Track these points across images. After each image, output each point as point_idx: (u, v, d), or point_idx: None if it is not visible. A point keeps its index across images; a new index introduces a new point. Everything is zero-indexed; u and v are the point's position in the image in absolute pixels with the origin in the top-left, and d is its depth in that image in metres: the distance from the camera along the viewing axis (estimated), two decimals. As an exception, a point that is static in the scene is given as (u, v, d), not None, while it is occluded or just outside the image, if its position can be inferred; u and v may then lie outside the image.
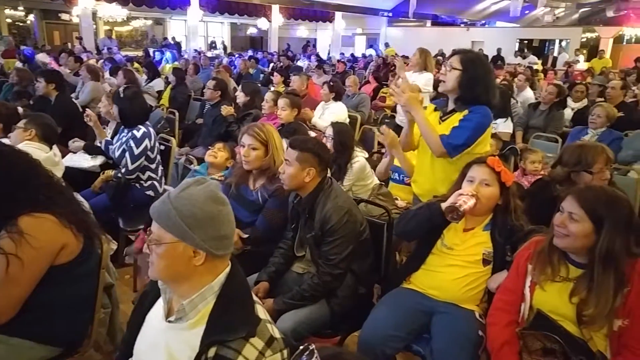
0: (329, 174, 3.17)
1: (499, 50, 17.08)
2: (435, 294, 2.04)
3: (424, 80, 4.83)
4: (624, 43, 18.16)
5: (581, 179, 2.32)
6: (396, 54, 13.58)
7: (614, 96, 5.44)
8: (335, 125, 3.34)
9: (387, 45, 19.70)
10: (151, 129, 3.52)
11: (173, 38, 17.28)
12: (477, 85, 2.32)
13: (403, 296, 2.10)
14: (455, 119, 2.36)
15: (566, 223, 1.64)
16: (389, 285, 2.25)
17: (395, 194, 3.12)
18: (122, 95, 3.50)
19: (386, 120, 5.97)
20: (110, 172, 3.48)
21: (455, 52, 2.45)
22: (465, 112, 2.33)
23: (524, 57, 16.04)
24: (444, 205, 1.97)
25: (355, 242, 2.18)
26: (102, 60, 9.86)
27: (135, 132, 3.41)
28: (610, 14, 19.40)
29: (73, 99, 5.65)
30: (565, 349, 1.60)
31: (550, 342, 1.63)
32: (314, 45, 21.03)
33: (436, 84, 5.57)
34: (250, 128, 2.58)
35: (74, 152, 3.82)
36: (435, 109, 2.55)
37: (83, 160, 3.69)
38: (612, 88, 5.47)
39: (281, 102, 4.08)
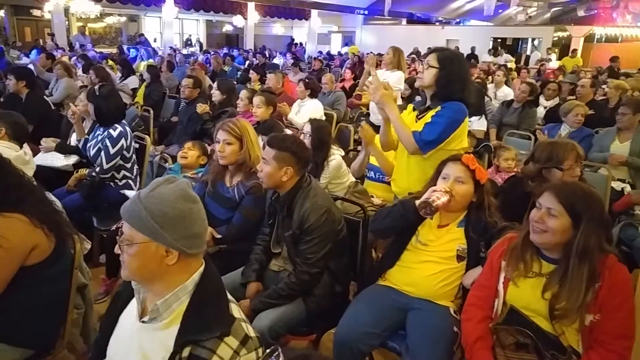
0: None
1: (472, 48, 17.30)
2: (410, 290, 2.06)
3: (395, 78, 4.86)
4: (595, 42, 18.57)
5: (552, 175, 2.37)
6: (371, 52, 13.58)
7: (584, 94, 5.55)
8: (313, 122, 3.33)
9: (351, 42, 19.78)
10: (127, 128, 3.46)
11: (142, 35, 16.98)
12: (454, 83, 2.34)
13: (378, 293, 2.11)
14: (429, 116, 2.38)
15: (545, 219, 1.66)
16: (365, 282, 2.26)
17: (371, 192, 3.14)
18: (97, 93, 3.44)
19: (362, 118, 5.99)
20: (84, 171, 3.42)
21: (432, 50, 2.47)
22: (439, 108, 2.35)
23: (497, 56, 16.28)
24: (417, 201, 1.99)
25: (332, 241, 2.18)
26: (74, 57, 9.68)
27: (111, 131, 3.36)
28: (581, 13, 19.87)
29: (46, 96, 5.55)
30: (537, 344, 1.63)
31: (522, 337, 1.66)
32: (301, 44, 20.93)
33: (411, 81, 5.64)
34: (224, 124, 2.57)
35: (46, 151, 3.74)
36: (414, 109, 2.56)
37: (56, 159, 3.60)
38: (582, 87, 5.59)
39: (256, 99, 4.06)
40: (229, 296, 1.35)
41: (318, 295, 2.20)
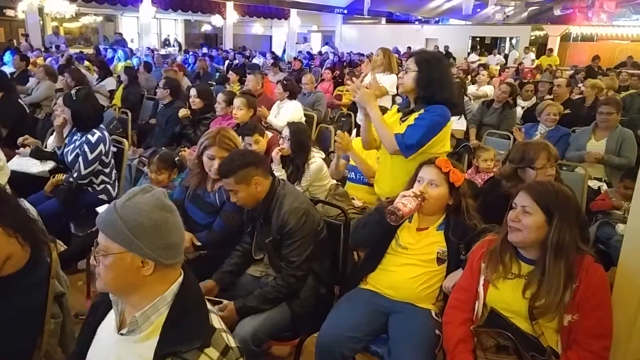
0: (283, 175, 3.19)
1: (446, 47, 17.48)
2: (392, 293, 2.06)
3: (389, 82, 4.86)
4: (571, 41, 18.91)
5: (526, 175, 2.41)
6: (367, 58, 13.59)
7: (560, 94, 5.65)
8: (291, 125, 3.33)
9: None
10: (106, 133, 3.41)
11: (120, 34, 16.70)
12: (432, 84, 2.34)
13: (360, 297, 2.12)
14: (412, 118, 2.38)
15: (520, 217, 1.70)
16: (347, 285, 2.27)
17: (352, 194, 3.14)
18: (74, 97, 3.37)
19: (342, 119, 6.01)
20: (60, 176, 3.35)
21: (411, 55, 2.49)
22: (422, 111, 2.36)
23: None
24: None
25: (314, 243, 2.18)
26: (49, 58, 9.49)
27: (89, 136, 3.30)
28: (557, 12, 20.24)
29: (22, 99, 5.44)
30: (517, 346, 1.65)
31: (503, 339, 1.68)
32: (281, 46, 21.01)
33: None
34: (219, 140, 2.50)
35: (22, 156, 3.66)
36: (399, 110, 2.57)
37: (31, 165, 3.52)
38: (558, 86, 5.67)
39: (237, 101, 4.03)
40: (209, 306, 1.34)
41: (304, 298, 2.19)
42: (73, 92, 3.44)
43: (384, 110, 2.69)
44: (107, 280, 1.26)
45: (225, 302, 2.12)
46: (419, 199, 1.96)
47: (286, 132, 3.25)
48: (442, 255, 2.02)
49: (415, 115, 2.36)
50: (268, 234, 2.21)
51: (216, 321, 1.30)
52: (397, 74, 5.09)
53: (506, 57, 16.94)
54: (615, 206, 3.24)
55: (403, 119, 2.45)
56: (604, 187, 3.87)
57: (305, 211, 2.16)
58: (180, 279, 1.32)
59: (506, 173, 2.48)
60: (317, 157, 3.29)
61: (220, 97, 4.40)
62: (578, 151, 4.10)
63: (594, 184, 3.86)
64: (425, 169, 2.07)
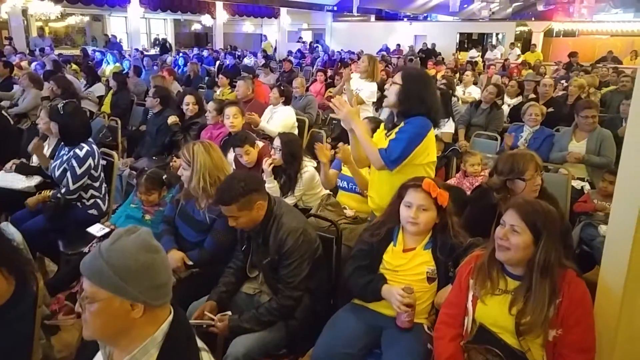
0: (275, 187, 3.21)
1: (433, 45, 17.53)
2: (384, 310, 2.09)
3: (368, 92, 4.90)
4: (554, 36, 19.07)
5: (516, 186, 2.44)
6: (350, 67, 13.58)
7: (548, 93, 5.73)
8: (282, 135, 3.35)
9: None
10: (94, 147, 3.37)
11: (112, 36, 16.53)
12: (413, 98, 2.39)
13: (353, 313, 2.15)
14: (394, 133, 2.43)
15: (508, 236, 1.74)
16: (341, 299, 2.30)
17: (344, 203, 3.15)
18: (61, 111, 3.32)
19: (334, 121, 6.02)
20: (47, 192, 3.30)
21: (399, 69, 2.53)
22: (402, 124, 2.41)
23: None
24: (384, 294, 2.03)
25: (311, 261, 2.20)
26: (34, 63, 9.35)
27: (77, 150, 3.26)
28: (540, 7, 20.38)
29: (6, 110, 5.38)
30: (505, 362, 1.69)
31: (491, 355, 1.72)
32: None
33: (381, 84, 5.70)
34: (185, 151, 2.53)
35: (7, 172, 3.62)
36: (385, 127, 2.61)
37: (16, 181, 3.48)
38: (544, 86, 5.74)
39: (232, 110, 4.01)
40: (199, 342, 1.34)
41: (300, 318, 2.21)
42: (60, 106, 3.40)
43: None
44: (95, 327, 1.24)
45: (217, 318, 2.14)
46: (411, 309, 1.97)
47: (277, 143, 3.27)
48: (431, 274, 2.06)
49: (397, 129, 2.41)
50: (265, 254, 2.22)
51: (207, 358, 1.31)
52: (377, 82, 5.15)
53: (485, 51, 17.11)
54: (597, 208, 3.30)
55: (388, 134, 2.49)
56: (587, 186, 3.95)
57: (302, 230, 2.18)
58: (170, 317, 1.30)
59: (495, 185, 2.50)
60: (309, 167, 3.32)
61: (211, 105, 4.40)
62: (561, 152, 4.18)
63: (577, 183, 3.95)
64: (413, 194, 2.08)
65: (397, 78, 2.45)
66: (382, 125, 2.71)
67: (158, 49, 17.76)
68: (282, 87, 5.28)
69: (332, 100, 2.50)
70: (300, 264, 2.15)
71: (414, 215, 2.05)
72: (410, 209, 2.07)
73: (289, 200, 3.26)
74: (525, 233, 1.71)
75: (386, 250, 2.14)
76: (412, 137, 2.35)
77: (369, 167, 2.70)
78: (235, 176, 2.27)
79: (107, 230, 2.96)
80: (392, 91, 2.45)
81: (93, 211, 3.39)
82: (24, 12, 13.87)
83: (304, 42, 20.90)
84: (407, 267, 2.09)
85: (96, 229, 2.98)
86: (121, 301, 1.21)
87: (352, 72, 5.49)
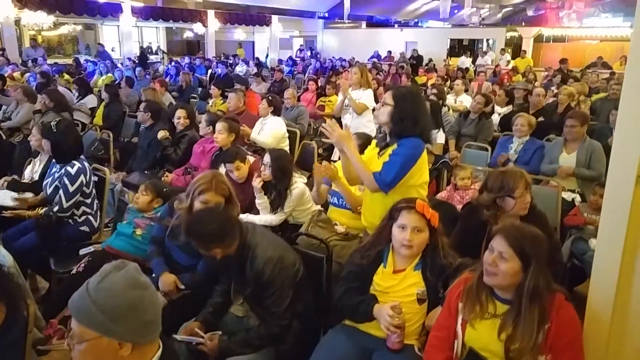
0: (265, 203, 3.21)
1: (414, 51, 17.56)
2: (375, 332, 2.10)
3: (368, 96, 4.97)
4: (544, 41, 19.23)
5: (506, 204, 2.46)
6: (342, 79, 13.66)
7: (541, 102, 5.78)
8: (272, 152, 3.36)
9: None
10: (86, 163, 3.38)
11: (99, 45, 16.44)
12: (406, 119, 2.40)
13: (344, 334, 2.16)
14: (387, 154, 2.44)
15: (497, 262, 1.74)
16: (332, 319, 2.30)
17: (335, 219, 3.15)
18: (54, 129, 3.34)
19: (323, 124, 6.02)
20: (40, 210, 3.28)
21: (388, 89, 2.55)
22: (395, 145, 2.41)
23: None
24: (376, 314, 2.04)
25: (293, 287, 2.20)
26: (27, 74, 9.33)
27: (69, 168, 3.27)
28: (530, 12, 20.58)
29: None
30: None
31: (482, 379, 1.73)
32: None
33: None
34: (216, 184, 2.47)
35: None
36: (377, 145, 2.62)
37: (7, 198, 3.45)
38: (537, 95, 5.79)
39: (219, 125, 4.03)
40: None
41: (290, 342, 2.21)
42: (53, 123, 3.40)
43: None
44: None
45: (207, 336, 2.15)
46: (400, 329, 1.98)
47: (267, 159, 3.28)
48: (421, 296, 2.07)
49: (390, 150, 2.42)
50: (245, 285, 2.22)
51: None
52: (372, 88, 5.20)
53: (476, 57, 17.22)
54: (587, 222, 3.33)
55: (380, 153, 2.50)
56: (577, 198, 3.99)
57: (279, 258, 2.17)
58: (159, 352, 1.31)
59: (485, 202, 2.51)
60: (299, 182, 3.33)
61: (204, 118, 4.42)
62: (551, 164, 4.22)
63: (567, 195, 3.97)
64: (407, 215, 2.08)
65: (389, 99, 2.45)
66: (373, 142, 2.72)
67: (151, 57, 17.82)
68: (270, 98, 5.31)
69: (323, 125, 2.50)
70: (281, 292, 2.15)
71: (409, 237, 2.05)
72: (404, 231, 2.06)
73: (279, 216, 3.28)
74: (513, 260, 1.72)
75: (376, 272, 2.15)
76: (406, 160, 2.37)
77: (361, 183, 2.72)
78: (209, 215, 2.24)
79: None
80: (384, 112, 2.45)
81: (85, 228, 3.40)
82: (17, 22, 13.83)
83: (301, 49, 20.82)
84: (397, 288, 2.09)
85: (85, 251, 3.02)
86: (109, 341, 1.22)
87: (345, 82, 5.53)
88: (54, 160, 3.46)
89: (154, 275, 2.59)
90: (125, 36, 16.28)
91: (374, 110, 5.25)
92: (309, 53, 19.49)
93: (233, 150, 3.67)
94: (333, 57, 17.75)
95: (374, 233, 2.22)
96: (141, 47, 16.43)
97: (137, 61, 13.93)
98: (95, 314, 1.21)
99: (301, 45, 21.05)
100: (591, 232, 3.25)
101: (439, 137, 5.03)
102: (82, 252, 2.99)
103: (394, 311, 1.96)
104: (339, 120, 5.33)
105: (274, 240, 2.36)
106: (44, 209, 3.28)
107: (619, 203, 1.79)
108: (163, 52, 19.31)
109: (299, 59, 17.71)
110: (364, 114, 4.95)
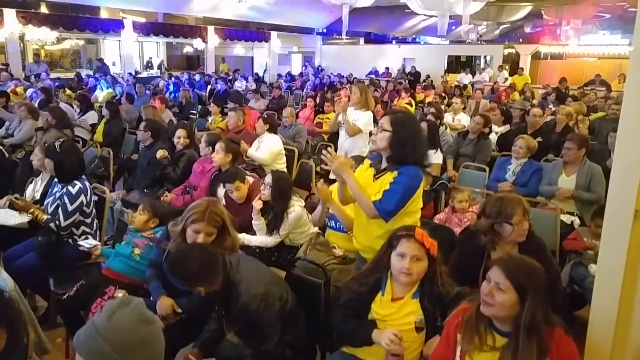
0: (262, 225, 3.21)
1: (413, 68, 17.62)
2: (373, 359, 2.11)
3: (365, 120, 4.92)
4: (542, 58, 19.38)
5: (503, 230, 2.46)
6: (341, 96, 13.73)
7: (539, 122, 5.81)
8: (275, 173, 3.38)
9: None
10: (87, 183, 3.41)
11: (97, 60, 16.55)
12: (406, 146, 2.41)
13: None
14: (387, 179, 2.44)
15: (493, 293, 1.75)
16: (330, 344, 2.31)
17: (333, 242, 3.16)
18: (58, 149, 3.37)
19: (323, 151, 6.06)
20: (43, 215, 3.31)
21: (385, 114, 2.56)
22: (395, 173, 2.41)
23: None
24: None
25: (280, 320, 2.19)
26: (30, 90, 9.36)
27: (70, 187, 3.29)
28: (528, 29, 20.78)
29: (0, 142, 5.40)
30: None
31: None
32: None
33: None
34: (209, 215, 2.45)
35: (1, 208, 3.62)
36: (371, 165, 2.62)
37: (9, 217, 3.45)
38: (533, 116, 5.83)
39: (217, 145, 4.05)
40: None
41: None
42: (57, 144, 3.43)
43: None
44: None
45: None
46: (401, 357, 1.99)
47: (268, 180, 3.29)
48: (419, 324, 2.07)
49: (390, 177, 2.42)
50: (233, 323, 2.24)
51: None
52: (372, 110, 5.20)
53: (474, 74, 17.35)
54: (587, 247, 3.32)
55: (377, 177, 2.51)
56: (577, 221, 3.99)
57: (263, 295, 2.15)
58: None
59: (483, 228, 2.51)
60: (296, 206, 3.33)
61: (204, 138, 4.45)
62: (550, 186, 4.23)
63: (566, 218, 3.97)
64: (406, 244, 2.08)
65: (386, 124, 2.44)
66: (365, 162, 2.71)
67: (151, 71, 17.95)
68: (265, 117, 5.39)
69: (323, 152, 2.52)
70: (269, 327, 2.15)
71: (408, 266, 2.05)
72: (404, 260, 2.07)
73: (274, 238, 3.29)
74: (510, 291, 1.72)
75: (374, 300, 2.15)
76: (407, 190, 2.38)
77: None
78: (194, 254, 2.20)
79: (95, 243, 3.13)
80: (382, 138, 2.45)
81: (84, 247, 3.38)
82: (21, 37, 13.94)
83: (306, 65, 20.79)
84: (395, 316, 2.10)
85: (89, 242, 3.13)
86: None
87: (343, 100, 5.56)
88: (55, 179, 3.48)
89: (152, 298, 2.60)
90: (126, 51, 16.45)
91: (371, 134, 5.31)
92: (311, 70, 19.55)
93: (233, 171, 3.69)
94: (332, 73, 17.87)
95: (372, 260, 2.22)
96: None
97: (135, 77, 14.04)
98: (107, 353, 1.23)
99: (306, 61, 21.11)
100: (591, 257, 3.23)
101: (437, 157, 5.05)
102: (82, 243, 3.12)
103: (395, 337, 1.96)
104: (335, 135, 5.38)
105: (259, 273, 2.33)
106: (46, 216, 3.30)
107: (618, 238, 1.82)
108: (165, 67, 19.44)
109: (303, 74, 17.70)
110: (357, 136, 4.95)
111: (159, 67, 19.20)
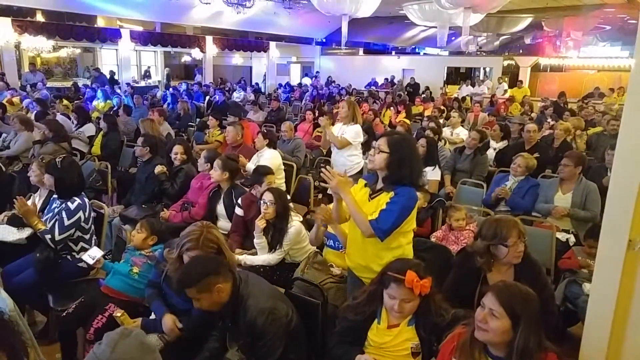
0: (263, 243, 3.23)
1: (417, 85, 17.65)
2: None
3: (352, 132, 4.98)
4: (541, 70, 19.47)
5: (499, 252, 2.50)
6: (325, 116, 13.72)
7: (534, 138, 5.85)
8: (274, 190, 3.39)
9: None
10: (86, 199, 3.42)
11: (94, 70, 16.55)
12: (403, 167, 2.44)
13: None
14: (383, 199, 2.46)
15: (487, 319, 1.79)
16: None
17: (330, 260, 3.19)
18: (59, 165, 3.38)
19: (322, 165, 6.09)
20: (41, 225, 3.31)
21: (382, 135, 2.58)
22: (392, 194, 2.43)
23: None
24: None
25: (285, 336, 2.22)
26: (26, 100, 9.37)
27: (69, 203, 3.30)
28: (528, 40, 20.88)
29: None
30: None
31: None
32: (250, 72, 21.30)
33: (366, 128, 5.80)
34: (202, 243, 2.47)
35: None
36: (366, 185, 2.64)
37: (8, 233, 3.49)
38: (528, 132, 5.86)
39: (215, 162, 4.06)
40: None
41: None
42: (58, 160, 3.45)
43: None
44: None
45: None
46: None
47: (270, 197, 3.30)
48: (416, 349, 2.10)
49: (386, 197, 2.44)
50: (238, 336, 2.25)
51: None
52: (360, 124, 5.23)
53: (473, 85, 17.42)
54: (581, 265, 3.35)
55: (372, 196, 2.53)
56: (572, 239, 4.01)
57: (271, 310, 2.19)
58: None
59: (479, 249, 2.54)
60: (295, 221, 3.37)
61: (203, 154, 4.46)
62: (546, 203, 4.25)
63: (562, 236, 3.99)
64: (396, 288, 2.10)
65: (384, 146, 2.47)
66: (360, 181, 2.72)
67: (149, 80, 17.96)
68: (265, 131, 5.40)
69: (323, 170, 2.55)
70: (273, 343, 2.17)
71: (398, 308, 2.09)
72: (394, 301, 2.10)
73: (277, 254, 3.31)
74: (503, 318, 1.76)
75: (371, 328, 2.17)
76: (403, 210, 2.40)
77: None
78: (196, 259, 2.30)
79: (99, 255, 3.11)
80: (379, 159, 2.47)
81: (83, 264, 3.35)
82: (17, 46, 13.95)
83: (315, 76, 20.72)
84: (392, 343, 2.12)
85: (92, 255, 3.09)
86: None
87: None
88: (54, 195, 3.49)
89: (155, 316, 2.64)
90: (124, 60, 16.44)
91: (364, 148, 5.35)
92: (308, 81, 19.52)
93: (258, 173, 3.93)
94: (331, 84, 17.92)
95: (366, 293, 2.23)
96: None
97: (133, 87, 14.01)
98: None
99: (317, 72, 21.07)
100: (584, 276, 3.27)
101: (435, 174, 5.08)
102: (84, 261, 3.11)
103: None
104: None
105: (267, 290, 2.38)
106: (43, 228, 3.29)
107: (611, 267, 1.85)
108: (169, 75, 19.53)
109: (315, 86, 17.56)
110: (348, 148, 5.02)
111: (167, 78, 19.25)
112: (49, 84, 14.19)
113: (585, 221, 4.02)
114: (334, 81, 19.41)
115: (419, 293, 2.10)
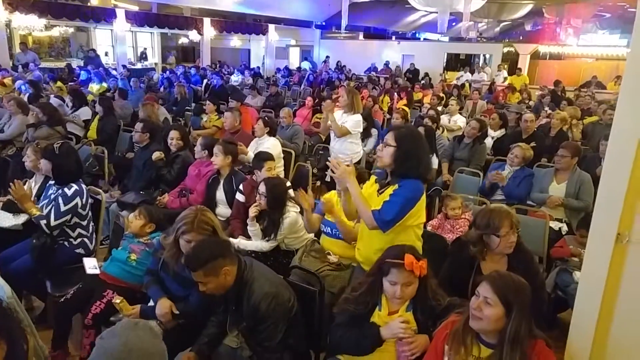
0: (257, 230, 3.25)
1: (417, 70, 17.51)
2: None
3: (353, 122, 4.99)
4: (540, 58, 19.40)
5: (491, 242, 2.54)
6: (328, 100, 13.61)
7: (531, 127, 5.86)
8: (268, 181, 3.40)
9: (309, 57, 19.86)
10: (83, 186, 3.41)
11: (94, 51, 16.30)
12: (409, 160, 2.43)
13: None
14: (388, 192, 2.46)
15: (481, 307, 1.84)
16: (324, 350, 2.36)
17: (327, 248, 3.20)
18: (57, 151, 3.36)
19: (320, 152, 6.11)
20: (36, 210, 3.29)
21: (390, 129, 2.59)
22: (396, 186, 2.44)
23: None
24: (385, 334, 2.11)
25: (287, 322, 2.26)
26: (19, 81, 9.22)
27: (66, 189, 3.29)
28: (528, 27, 20.78)
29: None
30: None
31: None
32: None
33: (366, 114, 5.78)
34: (197, 225, 2.50)
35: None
36: (376, 181, 2.65)
37: (3, 219, 3.47)
38: (525, 121, 5.87)
39: (215, 148, 4.04)
40: None
41: None
42: (56, 146, 3.42)
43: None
44: None
45: None
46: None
47: (262, 189, 3.32)
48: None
49: (391, 190, 2.44)
50: (240, 319, 2.29)
51: None
52: (360, 112, 5.22)
53: (473, 72, 17.34)
54: (573, 254, 3.40)
55: (380, 191, 2.53)
56: (565, 227, 4.07)
57: (275, 295, 2.23)
58: None
59: (472, 238, 2.59)
60: (291, 212, 3.37)
61: (199, 142, 4.41)
62: (541, 193, 4.30)
63: (555, 224, 4.05)
64: (396, 273, 2.12)
65: (391, 140, 2.46)
66: (372, 178, 2.74)
67: (145, 62, 17.72)
68: (266, 119, 5.37)
69: (329, 159, 2.57)
70: (274, 327, 2.22)
71: (399, 293, 2.12)
72: (395, 286, 2.13)
73: (270, 243, 3.34)
74: (497, 306, 1.82)
75: (372, 315, 2.21)
76: (406, 201, 2.39)
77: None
78: (203, 242, 2.34)
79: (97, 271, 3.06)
80: (387, 153, 2.46)
81: (80, 250, 3.40)
82: (7, 24, 13.69)
83: (325, 61, 20.18)
84: None
85: (90, 265, 3.08)
86: None
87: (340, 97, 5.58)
88: (50, 181, 3.47)
89: (151, 301, 2.66)
90: (119, 41, 16.10)
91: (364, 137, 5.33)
92: (308, 65, 19.28)
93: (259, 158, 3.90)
94: (330, 69, 17.79)
95: (366, 284, 2.25)
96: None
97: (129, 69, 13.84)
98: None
99: (327, 56, 20.75)
100: (575, 264, 3.33)
101: (433, 162, 5.09)
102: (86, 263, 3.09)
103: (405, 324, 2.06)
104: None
105: (271, 276, 2.42)
106: (39, 212, 3.28)
107: (600, 258, 1.92)
108: (175, 57, 19.27)
109: (327, 71, 17.25)
110: (348, 137, 5.02)
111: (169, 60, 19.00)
112: (42, 64, 13.90)
113: (578, 211, 4.08)
114: (344, 66, 19.13)
115: (419, 274, 2.13)
